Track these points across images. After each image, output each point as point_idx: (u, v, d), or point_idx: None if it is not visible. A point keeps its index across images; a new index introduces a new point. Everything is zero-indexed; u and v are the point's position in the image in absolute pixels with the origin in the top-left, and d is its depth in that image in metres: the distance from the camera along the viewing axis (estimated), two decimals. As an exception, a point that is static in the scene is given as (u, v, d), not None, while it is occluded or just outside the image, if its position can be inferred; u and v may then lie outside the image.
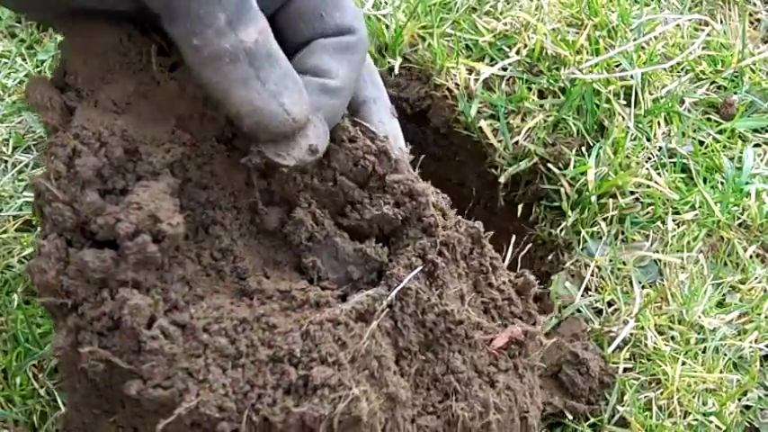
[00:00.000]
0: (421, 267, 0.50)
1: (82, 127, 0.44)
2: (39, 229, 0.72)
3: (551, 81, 0.83)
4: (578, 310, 0.70)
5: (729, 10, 0.97)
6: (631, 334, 0.68)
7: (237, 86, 0.43)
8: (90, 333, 0.42)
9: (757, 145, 0.83)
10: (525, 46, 0.85)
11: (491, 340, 0.53)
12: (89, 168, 0.43)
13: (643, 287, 0.72)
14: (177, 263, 0.45)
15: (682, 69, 0.88)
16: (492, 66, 0.83)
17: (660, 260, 0.73)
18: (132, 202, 0.42)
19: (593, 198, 0.76)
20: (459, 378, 0.50)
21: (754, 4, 0.99)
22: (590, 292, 0.72)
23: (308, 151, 0.46)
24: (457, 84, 0.82)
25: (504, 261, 0.57)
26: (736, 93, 0.87)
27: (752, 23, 0.98)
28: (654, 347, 0.68)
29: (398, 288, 0.48)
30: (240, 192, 0.49)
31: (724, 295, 0.73)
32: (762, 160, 0.82)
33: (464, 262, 0.53)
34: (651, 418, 0.64)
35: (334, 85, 0.47)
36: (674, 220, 0.76)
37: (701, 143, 0.82)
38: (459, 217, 0.54)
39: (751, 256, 0.75)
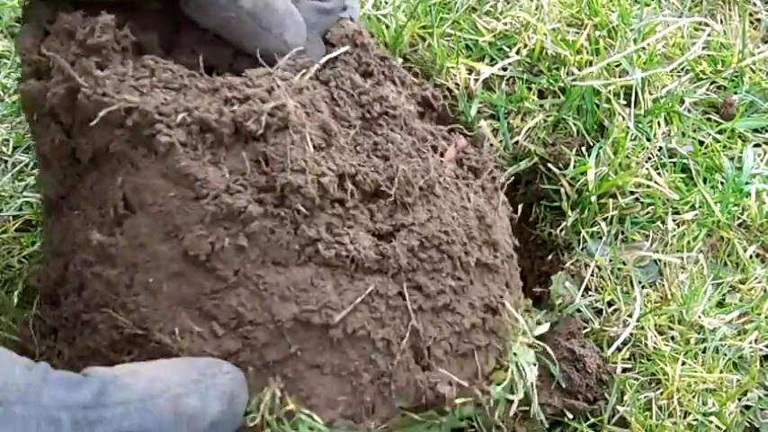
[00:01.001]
0: (348, 48, 0.55)
1: None
2: (39, 228, 0.72)
3: (551, 81, 0.83)
4: (578, 310, 0.70)
5: (729, 10, 0.97)
6: (631, 334, 0.68)
7: (248, 39, 0.52)
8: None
9: (757, 145, 0.83)
10: (525, 46, 0.85)
11: (441, 153, 0.57)
12: None
13: (643, 287, 0.72)
14: None
15: (682, 69, 0.88)
16: (492, 66, 0.83)
17: (660, 260, 0.73)
18: None
19: (593, 198, 0.76)
20: (399, 147, 0.53)
21: (755, 4, 0.99)
22: (590, 292, 0.72)
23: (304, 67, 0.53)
24: (457, 84, 0.82)
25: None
26: (736, 93, 0.87)
27: (752, 23, 0.98)
28: (654, 347, 0.68)
29: (328, 57, 0.54)
30: None
31: (724, 295, 0.73)
32: (762, 160, 0.82)
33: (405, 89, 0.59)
34: (651, 418, 0.64)
35: (328, 6, 0.57)
36: (674, 220, 0.76)
37: (701, 143, 0.82)
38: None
39: (751, 256, 0.75)
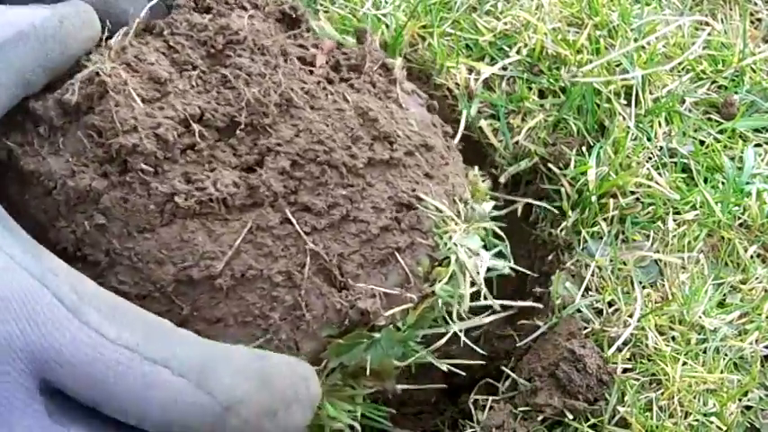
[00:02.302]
0: None
1: None
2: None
3: (552, 81, 0.83)
4: (578, 311, 0.70)
5: (730, 9, 0.97)
6: (632, 334, 0.68)
7: None
8: None
9: (758, 145, 0.83)
10: (525, 45, 0.85)
11: (310, 63, 0.53)
12: None
13: (644, 287, 0.71)
14: None
15: (682, 69, 0.88)
16: (492, 65, 0.83)
17: (661, 260, 0.73)
18: None
19: (594, 198, 0.76)
20: (249, 72, 0.49)
21: (755, 4, 0.99)
22: (590, 293, 0.72)
23: None
24: (457, 83, 0.82)
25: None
26: (736, 92, 0.86)
27: (753, 23, 0.98)
28: (654, 348, 0.67)
29: (145, 10, 0.51)
30: None
31: (725, 295, 0.72)
32: (763, 160, 0.81)
33: (256, 11, 0.54)
34: (652, 418, 0.64)
35: None
36: (674, 220, 0.76)
37: (702, 143, 0.82)
38: None
39: (752, 257, 0.75)
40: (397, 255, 0.48)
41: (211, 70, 0.49)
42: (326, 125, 0.49)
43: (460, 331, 0.51)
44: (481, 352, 0.57)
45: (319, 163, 0.47)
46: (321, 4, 0.85)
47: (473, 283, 0.51)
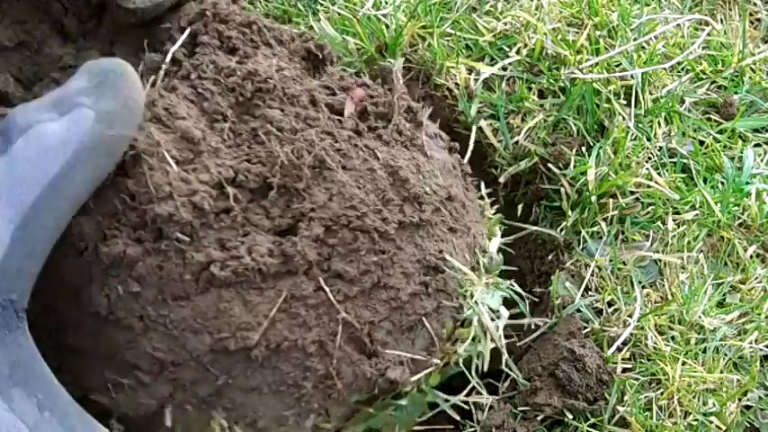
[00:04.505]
0: (186, 34, 0.50)
1: None
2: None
3: (551, 81, 0.83)
4: (578, 310, 0.70)
5: (730, 9, 0.97)
6: (632, 334, 0.68)
7: None
8: None
9: (758, 145, 0.83)
10: (525, 46, 0.85)
11: (339, 111, 0.51)
12: None
13: (643, 287, 0.72)
14: None
15: (682, 69, 0.88)
16: (492, 66, 0.83)
17: (660, 260, 0.73)
18: None
19: (594, 198, 0.76)
20: (280, 126, 0.47)
21: (755, 4, 0.99)
22: (590, 292, 0.72)
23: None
24: (457, 83, 0.82)
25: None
26: (736, 92, 0.87)
27: (752, 23, 0.98)
28: (654, 347, 0.68)
29: (173, 48, 0.49)
30: None
31: (724, 295, 0.73)
32: (762, 160, 0.82)
33: (282, 47, 0.53)
34: (651, 418, 0.64)
35: None
36: (674, 220, 0.76)
37: (702, 143, 0.82)
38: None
39: (751, 256, 0.75)
40: (425, 320, 0.48)
41: (241, 120, 0.48)
42: (359, 188, 0.48)
43: (477, 384, 0.52)
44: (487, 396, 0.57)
45: (352, 229, 0.47)
46: (321, 4, 0.85)
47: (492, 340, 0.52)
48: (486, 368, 0.52)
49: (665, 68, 0.86)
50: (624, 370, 0.67)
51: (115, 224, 0.43)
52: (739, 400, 0.66)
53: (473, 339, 0.50)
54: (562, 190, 0.78)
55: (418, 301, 0.48)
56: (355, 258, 0.46)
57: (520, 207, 0.83)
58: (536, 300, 0.74)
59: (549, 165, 0.79)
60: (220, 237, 0.44)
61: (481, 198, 0.61)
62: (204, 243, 0.43)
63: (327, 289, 0.45)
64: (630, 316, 0.69)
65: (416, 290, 0.48)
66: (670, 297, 0.71)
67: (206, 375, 0.43)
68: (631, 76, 0.83)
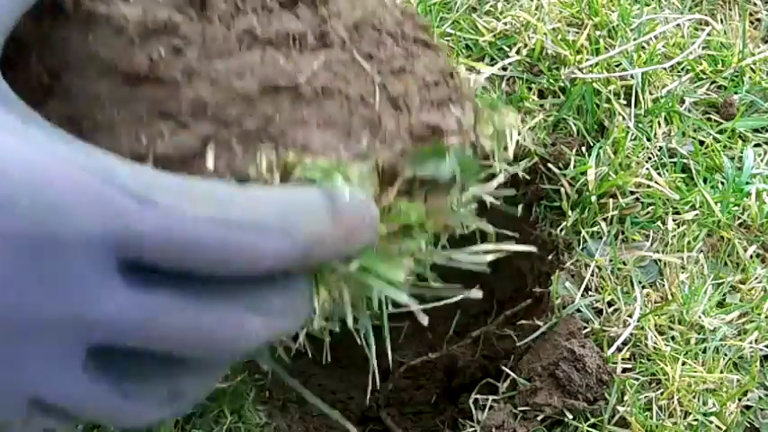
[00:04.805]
0: None
1: None
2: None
3: (551, 81, 0.83)
4: (578, 310, 0.70)
5: (730, 9, 0.97)
6: (632, 334, 0.68)
7: None
8: None
9: (758, 145, 0.83)
10: (525, 46, 0.85)
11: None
12: None
13: (643, 287, 0.72)
14: None
15: (682, 69, 0.88)
16: (492, 66, 0.83)
17: (660, 260, 0.73)
18: None
19: (594, 198, 0.76)
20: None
21: (755, 4, 0.99)
22: (590, 292, 0.72)
23: None
24: (457, 84, 0.82)
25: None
26: (736, 92, 0.87)
27: (752, 23, 0.98)
28: (654, 347, 0.68)
29: None
30: None
31: (724, 295, 0.73)
32: (762, 160, 0.81)
33: None
34: (651, 418, 0.64)
35: None
36: (674, 220, 0.76)
37: (702, 143, 0.82)
38: None
39: (751, 256, 0.75)
40: (450, 103, 0.51)
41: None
42: (376, 4, 0.52)
43: (500, 171, 0.53)
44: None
45: (377, 29, 0.50)
46: (321, 5, 0.85)
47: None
48: (510, 158, 0.54)
49: (665, 68, 0.86)
50: (624, 370, 0.67)
51: (158, 2, 0.44)
52: (739, 400, 0.66)
53: (491, 134, 0.53)
54: (562, 190, 0.78)
55: (442, 88, 0.51)
56: (382, 48, 0.50)
57: (520, 207, 0.83)
58: (536, 300, 0.74)
59: (549, 165, 0.79)
60: (258, 17, 0.46)
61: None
62: (248, 16, 0.45)
63: (361, 58, 0.48)
64: (630, 316, 0.69)
65: (438, 79, 0.51)
66: (670, 297, 0.71)
67: (254, 110, 0.44)
68: (631, 76, 0.83)
